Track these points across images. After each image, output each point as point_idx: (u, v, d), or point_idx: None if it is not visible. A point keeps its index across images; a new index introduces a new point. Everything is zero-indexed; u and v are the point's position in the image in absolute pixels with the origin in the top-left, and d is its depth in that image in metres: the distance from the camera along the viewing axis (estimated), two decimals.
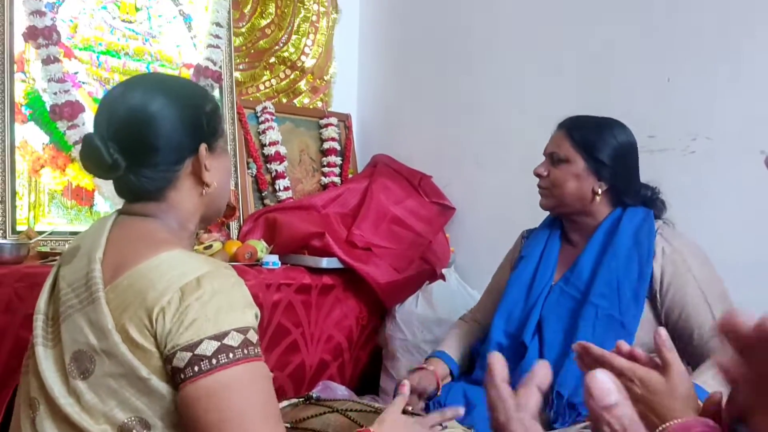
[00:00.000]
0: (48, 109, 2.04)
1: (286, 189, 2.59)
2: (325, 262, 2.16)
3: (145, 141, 1.01)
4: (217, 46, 2.47)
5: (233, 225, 2.42)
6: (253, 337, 0.94)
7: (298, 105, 2.85)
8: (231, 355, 0.90)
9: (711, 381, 1.28)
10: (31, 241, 1.86)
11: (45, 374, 0.98)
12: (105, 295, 0.96)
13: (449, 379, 1.66)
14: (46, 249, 1.87)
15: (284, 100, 2.82)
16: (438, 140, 2.72)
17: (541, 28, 2.34)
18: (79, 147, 2.02)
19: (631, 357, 0.93)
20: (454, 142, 2.65)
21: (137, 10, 2.32)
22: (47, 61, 2.04)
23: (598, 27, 2.16)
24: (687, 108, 1.92)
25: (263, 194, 2.59)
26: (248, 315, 0.96)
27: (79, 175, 2.06)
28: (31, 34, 2.02)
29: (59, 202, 2.06)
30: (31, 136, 2.02)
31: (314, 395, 1.37)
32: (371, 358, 2.38)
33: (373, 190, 2.53)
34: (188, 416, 0.90)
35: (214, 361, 0.89)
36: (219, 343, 0.90)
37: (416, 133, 2.82)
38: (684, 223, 1.60)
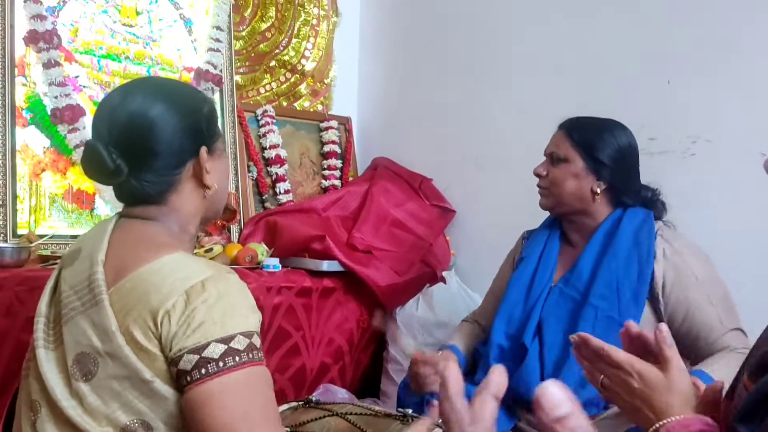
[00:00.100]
0: (49, 112, 2.05)
1: (286, 192, 2.60)
2: (326, 265, 2.16)
3: (147, 146, 1.02)
4: (218, 50, 2.47)
5: (234, 228, 2.42)
6: (257, 341, 0.95)
7: (298, 108, 2.86)
8: (237, 359, 0.91)
9: (720, 369, 1.28)
10: (32, 245, 1.86)
11: (47, 376, 0.98)
12: (108, 297, 0.96)
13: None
14: (47, 252, 1.87)
15: (285, 104, 2.82)
16: (438, 143, 2.72)
17: (542, 31, 2.34)
18: (80, 150, 2.03)
19: (639, 339, 0.92)
20: (454, 145, 2.65)
21: (138, 13, 2.33)
22: (48, 64, 2.04)
23: (599, 29, 2.16)
24: (687, 110, 1.93)
25: (264, 197, 2.59)
26: (252, 319, 0.96)
27: (79, 179, 2.07)
28: (32, 38, 2.02)
29: (60, 206, 2.06)
30: (31, 140, 2.02)
31: (314, 398, 1.36)
32: (372, 361, 2.37)
33: (373, 193, 2.53)
34: (193, 419, 0.90)
35: (221, 363, 0.90)
36: (226, 347, 0.90)
37: (416, 136, 2.82)
38: (684, 225, 1.60)
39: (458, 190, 2.63)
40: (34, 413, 1.00)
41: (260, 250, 2.16)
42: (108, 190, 2.03)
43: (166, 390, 0.93)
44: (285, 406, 1.34)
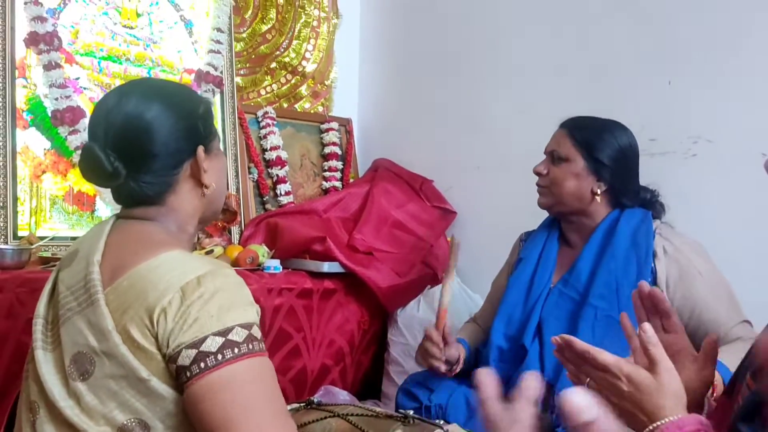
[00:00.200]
0: (49, 114, 2.05)
1: (287, 194, 2.60)
2: (327, 267, 2.16)
3: (144, 148, 1.02)
4: (218, 52, 2.47)
5: (234, 230, 2.42)
6: (257, 332, 0.94)
7: (299, 110, 2.86)
8: (236, 350, 0.90)
9: (730, 356, 1.28)
10: (33, 247, 1.86)
11: (45, 377, 0.98)
12: (104, 297, 0.96)
13: (462, 365, 1.64)
14: (48, 254, 1.87)
15: (285, 105, 2.82)
16: (439, 144, 2.72)
17: (543, 32, 2.34)
18: (80, 152, 2.02)
19: (650, 298, 0.91)
20: (455, 146, 2.65)
21: (138, 15, 2.33)
22: (48, 66, 2.04)
23: (599, 30, 2.16)
24: (688, 111, 1.92)
25: (264, 199, 2.59)
26: (250, 311, 0.96)
27: (80, 181, 2.07)
28: (33, 39, 2.03)
29: (60, 208, 2.06)
30: (32, 142, 2.02)
31: (315, 400, 1.36)
32: (373, 362, 2.37)
33: (374, 194, 2.53)
34: (196, 414, 0.89)
35: (219, 356, 0.89)
36: (224, 339, 0.90)
37: (417, 137, 2.82)
38: (685, 226, 1.60)
39: (459, 192, 2.63)
40: (33, 414, 1.00)
41: (261, 251, 2.16)
42: (108, 192, 2.03)
43: (164, 389, 0.93)
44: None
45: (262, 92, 2.77)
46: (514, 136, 2.41)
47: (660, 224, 1.54)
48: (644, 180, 1.62)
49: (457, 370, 1.60)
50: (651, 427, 0.82)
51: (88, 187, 2.09)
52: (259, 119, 2.64)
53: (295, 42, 2.85)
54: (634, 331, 0.94)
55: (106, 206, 2.13)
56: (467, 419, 1.52)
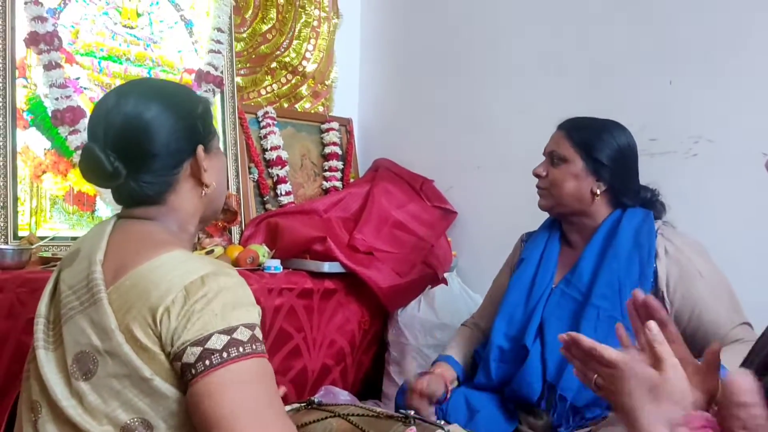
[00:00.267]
0: (49, 114, 2.05)
1: (287, 193, 2.60)
2: (327, 267, 2.16)
3: (144, 147, 1.02)
4: (219, 52, 2.47)
5: (235, 230, 2.42)
6: (259, 334, 0.95)
7: (299, 110, 2.86)
8: (241, 349, 0.91)
9: (730, 357, 1.27)
10: (33, 247, 1.86)
11: (47, 377, 0.98)
12: (107, 296, 0.96)
13: (456, 383, 1.65)
14: (48, 254, 1.87)
15: (285, 105, 2.82)
16: (439, 144, 2.72)
17: (543, 32, 2.34)
18: (80, 152, 2.02)
19: (645, 306, 0.91)
20: (455, 146, 2.65)
21: (138, 15, 2.33)
22: (49, 66, 2.04)
23: (600, 29, 2.16)
24: (689, 111, 1.92)
25: (265, 199, 2.59)
26: (253, 312, 0.97)
27: (80, 181, 2.06)
28: (33, 39, 2.02)
29: (61, 208, 2.06)
30: (32, 142, 2.02)
31: (316, 400, 1.36)
32: (373, 362, 2.37)
33: (374, 194, 2.53)
34: (199, 412, 0.89)
35: (225, 354, 0.90)
36: (229, 337, 0.91)
37: (417, 137, 2.82)
38: (686, 226, 1.59)
39: (460, 192, 2.63)
40: (35, 414, 1.00)
41: (261, 251, 2.16)
42: (108, 192, 2.03)
43: (166, 388, 0.93)
44: (287, 408, 1.33)
45: (263, 92, 2.77)
46: (514, 136, 2.40)
47: (661, 224, 1.54)
48: (645, 180, 1.62)
49: (448, 396, 1.59)
50: None
51: (89, 187, 2.09)
52: (260, 119, 2.64)
53: (295, 42, 2.85)
54: (630, 340, 0.94)
55: (106, 206, 2.13)
56: (467, 420, 1.52)
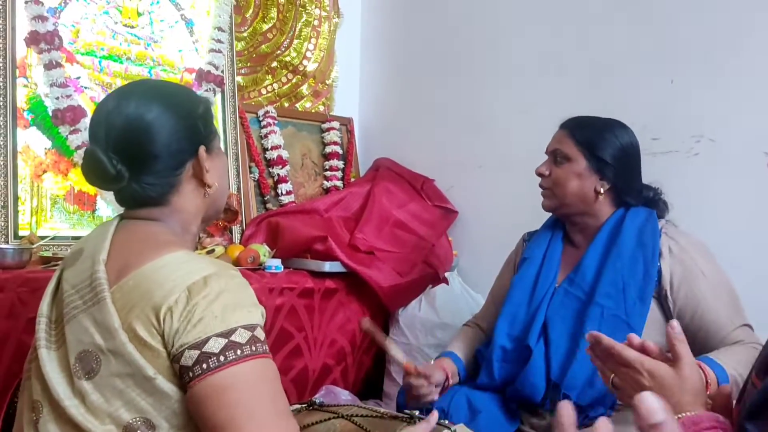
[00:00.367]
0: (50, 113, 2.05)
1: (288, 193, 2.59)
2: (328, 266, 2.15)
3: (146, 149, 1.02)
4: (219, 51, 2.47)
5: (236, 229, 2.41)
6: (261, 334, 0.95)
7: (300, 109, 2.85)
8: (239, 352, 0.90)
9: (725, 358, 1.28)
10: (34, 246, 1.86)
11: (49, 376, 0.98)
12: (111, 295, 0.96)
13: (457, 378, 1.64)
14: (49, 254, 1.87)
15: (286, 105, 2.82)
16: (440, 143, 2.72)
17: (544, 32, 2.33)
18: (81, 152, 2.02)
19: (642, 350, 0.92)
20: (456, 146, 2.65)
21: (139, 14, 2.32)
22: (49, 66, 2.04)
23: (601, 29, 2.15)
24: (691, 110, 1.92)
25: (265, 198, 2.58)
26: (255, 313, 0.96)
27: (81, 180, 2.06)
28: (33, 39, 2.02)
29: (61, 207, 2.05)
30: (33, 141, 2.02)
31: (317, 400, 1.35)
32: (374, 362, 2.37)
33: (375, 193, 2.53)
34: (198, 415, 0.90)
35: (221, 358, 0.90)
36: (226, 340, 0.90)
37: (418, 136, 2.81)
38: (688, 225, 1.59)
39: (460, 191, 2.63)
40: (36, 414, 0.99)
41: (262, 251, 2.16)
42: (109, 192, 2.03)
43: (169, 387, 0.93)
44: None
45: (263, 91, 2.76)
46: (515, 136, 2.40)
47: (665, 223, 1.54)
48: (647, 179, 1.62)
49: (448, 387, 1.59)
50: None
51: (89, 187, 2.09)
52: (260, 118, 2.64)
53: (296, 41, 2.85)
54: (639, 341, 0.95)
55: (107, 206, 2.13)
56: (469, 420, 1.52)
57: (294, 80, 2.85)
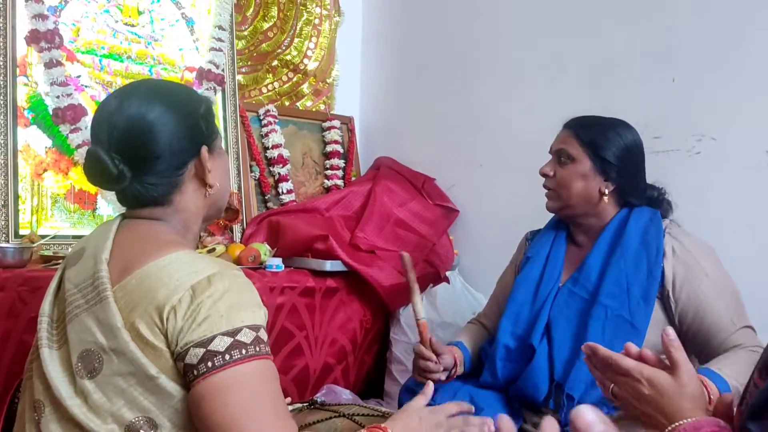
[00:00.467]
0: (50, 112, 2.04)
1: (289, 192, 2.59)
2: (329, 265, 2.15)
3: (148, 149, 1.02)
4: (220, 50, 2.46)
5: (236, 228, 2.41)
6: (264, 335, 0.95)
7: (300, 108, 2.85)
8: (244, 352, 0.91)
9: (726, 369, 1.27)
10: (34, 245, 1.85)
11: (51, 375, 0.98)
12: (113, 294, 0.96)
13: (463, 369, 1.63)
14: (49, 253, 1.86)
15: (287, 103, 2.81)
16: (441, 142, 2.72)
17: (546, 29, 2.33)
18: (82, 150, 2.02)
19: (640, 359, 0.92)
20: (457, 145, 2.64)
21: (140, 13, 2.32)
22: (50, 64, 2.03)
23: (603, 27, 2.15)
24: (692, 108, 1.92)
25: (266, 197, 2.58)
26: (258, 314, 0.97)
27: (81, 179, 2.06)
28: (34, 37, 2.02)
29: (62, 206, 2.05)
30: (33, 140, 2.02)
31: (319, 400, 1.36)
32: (375, 361, 2.36)
33: (376, 192, 2.52)
34: (200, 413, 0.90)
35: (227, 356, 0.90)
36: (232, 339, 0.91)
37: (419, 135, 2.81)
38: (689, 224, 1.59)
39: (462, 190, 2.62)
40: (38, 413, 0.99)
41: (263, 250, 2.16)
42: (110, 191, 2.03)
43: (172, 386, 0.93)
44: (289, 408, 1.33)
45: (264, 90, 2.76)
46: (516, 134, 2.40)
47: (669, 223, 1.53)
48: (648, 178, 1.61)
49: (455, 374, 1.59)
50: (669, 428, 0.83)
51: (90, 186, 2.08)
52: (261, 117, 2.64)
53: (296, 40, 2.84)
54: (637, 349, 0.94)
55: (107, 204, 2.13)
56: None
57: (295, 79, 2.85)
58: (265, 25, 2.76)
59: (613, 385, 0.93)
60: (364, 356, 2.31)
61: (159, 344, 0.92)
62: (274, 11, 2.78)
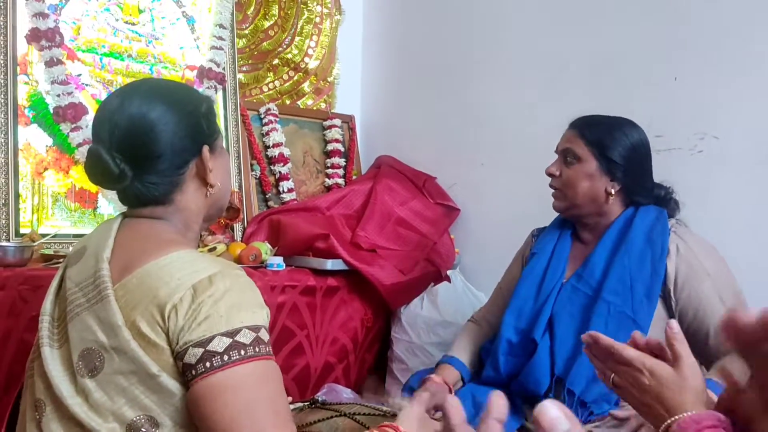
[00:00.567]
0: (51, 111, 2.04)
1: (290, 191, 2.59)
2: (330, 264, 2.15)
3: (149, 148, 1.02)
4: (221, 48, 2.46)
5: (237, 227, 2.41)
6: (265, 335, 0.94)
7: (301, 106, 2.85)
8: (243, 352, 0.90)
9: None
10: (35, 244, 1.85)
11: (52, 374, 0.98)
12: (114, 293, 0.96)
13: (460, 384, 1.64)
14: (50, 252, 1.86)
15: (288, 102, 2.81)
16: (442, 141, 2.71)
17: (547, 28, 2.32)
18: (82, 149, 2.02)
19: (646, 347, 0.92)
20: (458, 143, 2.64)
21: (140, 11, 2.32)
22: (50, 63, 2.03)
23: (604, 26, 2.14)
24: (694, 107, 1.91)
25: (267, 196, 2.58)
26: (260, 314, 0.96)
27: (82, 178, 2.06)
28: (34, 36, 2.01)
29: (63, 205, 2.05)
30: (34, 139, 2.01)
31: (320, 399, 1.35)
32: (376, 360, 2.36)
33: (377, 191, 2.52)
34: (198, 413, 0.90)
35: (225, 357, 0.89)
36: (231, 340, 0.90)
37: (420, 134, 2.81)
38: (692, 223, 1.58)
39: (463, 189, 2.62)
40: (39, 413, 0.99)
41: (264, 248, 2.15)
42: (111, 190, 2.03)
43: (173, 385, 0.93)
44: (290, 407, 1.33)
45: (265, 89, 2.76)
46: (517, 133, 2.39)
47: (675, 222, 1.53)
48: None
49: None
50: (669, 421, 0.83)
51: (90, 185, 2.08)
52: (262, 116, 2.63)
53: (297, 38, 2.84)
54: (644, 339, 0.94)
55: (108, 203, 2.12)
56: (473, 416, 1.51)
57: (295, 77, 2.84)
58: (266, 24, 2.76)
59: (613, 374, 0.93)
60: (365, 355, 2.31)
61: (160, 342, 0.92)
62: (275, 9, 2.78)
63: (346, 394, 1.97)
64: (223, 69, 2.47)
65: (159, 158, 1.03)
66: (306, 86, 2.87)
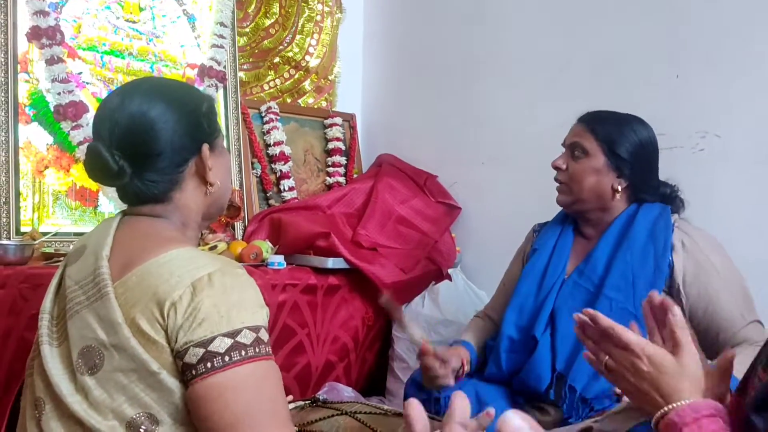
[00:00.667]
0: (52, 109, 2.04)
1: (290, 189, 2.58)
2: (331, 263, 2.15)
3: (149, 146, 1.02)
4: (222, 46, 2.46)
5: (238, 225, 2.41)
6: (265, 335, 0.94)
7: (302, 105, 2.85)
8: (243, 353, 0.90)
9: (738, 365, 1.26)
10: (36, 242, 1.85)
11: (51, 372, 0.98)
12: (114, 291, 0.96)
13: (470, 367, 1.62)
14: (51, 250, 1.86)
15: (289, 100, 2.81)
16: (443, 140, 2.71)
17: (547, 27, 2.32)
18: (83, 147, 2.02)
19: (662, 308, 0.91)
20: (459, 142, 2.64)
21: (141, 9, 2.31)
22: (51, 61, 2.03)
23: (605, 25, 2.14)
24: (696, 105, 1.91)
25: (268, 194, 2.58)
26: (260, 314, 0.96)
27: (83, 176, 2.05)
28: (35, 34, 2.01)
29: (63, 203, 2.05)
30: (35, 137, 2.01)
31: (321, 397, 1.35)
32: (377, 359, 2.36)
33: (378, 189, 2.52)
34: (199, 413, 0.90)
35: (227, 358, 0.89)
36: (232, 341, 0.90)
37: (421, 132, 2.81)
38: (694, 221, 1.58)
39: (464, 187, 2.62)
40: (39, 411, 0.99)
41: (265, 247, 2.15)
42: (111, 188, 2.03)
43: (173, 382, 0.93)
44: (291, 406, 1.33)
45: (266, 87, 2.75)
46: (518, 132, 2.39)
47: (678, 218, 1.52)
48: None
49: (463, 374, 1.58)
50: (666, 409, 0.82)
51: (91, 183, 2.08)
52: (263, 114, 2.63)
53: (298, 37, 2.84)
54: (642, 333, 0.93)
55: (109, 202, 2.12)
56: (476, 413, 1.51)
57: (296, 76, 2.84)
58: (267, 22, 2.76)
59: (607, 357, 0.91)
60: (366, 354, 2.31)
61: (160, 340, 0.92)
62: (275, 8, 2.78)
63: (347, 392, 1.97)
64: (224, 67, 2.47)
65: (158, 156, 1.03)
66: (307, 84, 2.87)
